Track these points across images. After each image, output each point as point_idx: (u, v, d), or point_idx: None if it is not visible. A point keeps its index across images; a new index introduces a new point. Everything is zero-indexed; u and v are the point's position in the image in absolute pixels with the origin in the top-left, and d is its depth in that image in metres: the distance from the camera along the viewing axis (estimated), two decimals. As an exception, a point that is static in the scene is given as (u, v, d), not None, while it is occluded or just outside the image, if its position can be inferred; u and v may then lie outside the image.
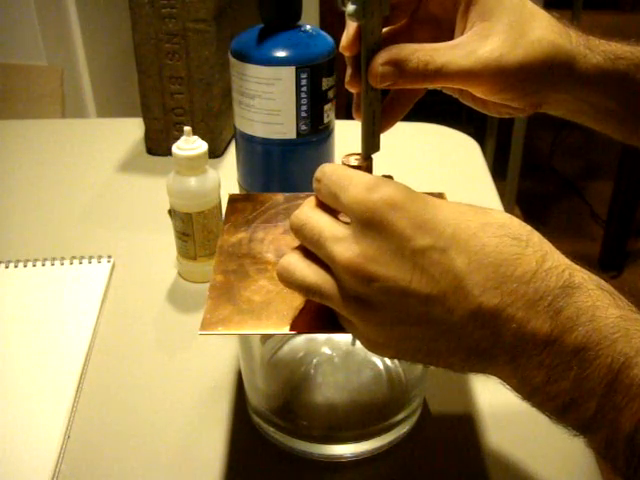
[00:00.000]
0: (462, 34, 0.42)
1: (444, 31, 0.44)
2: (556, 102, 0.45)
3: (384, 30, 0.41)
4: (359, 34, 0.38)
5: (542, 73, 0.41)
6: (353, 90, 0.42)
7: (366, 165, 0.40)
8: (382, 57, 0.38)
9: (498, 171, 1.88)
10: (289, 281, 0.37)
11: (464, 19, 0.42)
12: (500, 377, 0.35)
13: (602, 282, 0.34)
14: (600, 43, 0.44)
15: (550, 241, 0.35)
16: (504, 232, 0.34)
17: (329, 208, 0.37)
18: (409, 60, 0.38)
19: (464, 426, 0.51)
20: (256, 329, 0.40)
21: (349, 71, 0.41)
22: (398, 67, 0.38)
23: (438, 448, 0.50)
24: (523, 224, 0.35)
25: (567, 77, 0.43)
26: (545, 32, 0.41)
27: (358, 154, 0.41)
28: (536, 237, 0.34)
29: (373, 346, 0.37)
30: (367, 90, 0.39)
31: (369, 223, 0.34)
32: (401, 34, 0.44)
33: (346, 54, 0.41)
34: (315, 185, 0.38)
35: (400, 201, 0.34)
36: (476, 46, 0.40)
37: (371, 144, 0.41)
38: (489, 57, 0.39)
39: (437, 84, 0.41)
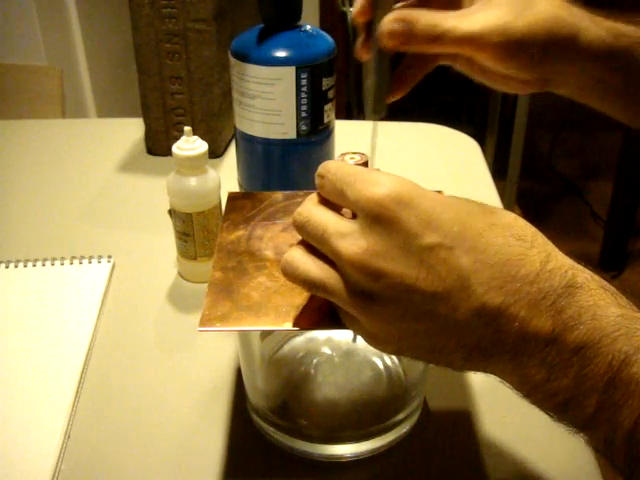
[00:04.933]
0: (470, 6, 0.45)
1: (455, 6, 0.46)
2: (562, 76, 0.46)
3: (398, 5, 0.45)
4: (372, 1, 0.42)
5: (546, 43, 0.44)
6: (363, 58, 0.45)
7: (362, 164, 0.40)
8: (393, 15, 0.42)
9: (498, 171, 1.88)
10: (293, 276, 0.37)
11: None
12: (500, 375, 0.35)
13: (604, 282, 0.34)
14: (604, 19, 0.46)
15: (550, 241, 0.35)
16: (509, 232, 0.34)
17: (331, 204, 0.37)
18: (418, 20, 0.42)
19: (464, 426, 0.51)
20: (255, 325, 0.40)
21: (360, 38, 0.45)
22: (407, 25, 0.41)
23: (438, 448, 0.50)
24: (528, 225, 0.35)
25: (571, 48, 0.45)
26: (549, 5, 0.44)
27: (354, 153, 0.41)
28: (540, 238, 0.34)
29: (375, 341, 0.37)
30: (378, 51, 0.43)
31: (377, 219, 0.34)
32: (413, 7, 0.47)
33: (359, 20, 0.44)
34: (318, 182, 0.38)
35: (408, 197, 0.34)
36: (482, 14, 0.43)
37: (378, 105, 0.44)
38: (495, 23, 0.42)
39: (444, 49, 0.43)
